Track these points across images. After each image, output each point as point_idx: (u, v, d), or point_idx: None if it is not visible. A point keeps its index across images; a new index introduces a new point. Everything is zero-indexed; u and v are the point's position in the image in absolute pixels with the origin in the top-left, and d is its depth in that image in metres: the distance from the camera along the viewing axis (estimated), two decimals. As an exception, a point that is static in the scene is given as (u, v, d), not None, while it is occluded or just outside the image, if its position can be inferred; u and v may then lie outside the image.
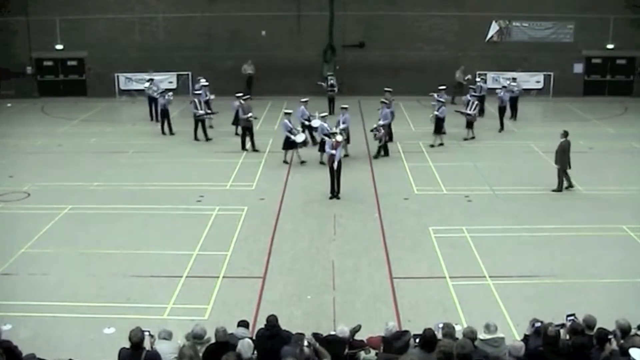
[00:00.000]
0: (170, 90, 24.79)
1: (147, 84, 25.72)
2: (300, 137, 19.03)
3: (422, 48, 29.71)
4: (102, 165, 19.22)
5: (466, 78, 27.38)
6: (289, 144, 19.12)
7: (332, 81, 25.95)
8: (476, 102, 22.08)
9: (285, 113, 19.62)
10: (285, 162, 19.25)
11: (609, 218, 14.80)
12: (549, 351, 7.11)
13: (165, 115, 23.00)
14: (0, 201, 16.20)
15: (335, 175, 16.28)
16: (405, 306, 10.89)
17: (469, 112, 21.69)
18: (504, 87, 24.10)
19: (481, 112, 24.46)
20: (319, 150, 19.07)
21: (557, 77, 29.22)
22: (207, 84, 23.93)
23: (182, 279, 11.93)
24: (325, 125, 18.74)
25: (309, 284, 11.79)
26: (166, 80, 29.59)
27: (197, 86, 25.14)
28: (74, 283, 11.77)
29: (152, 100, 25.01)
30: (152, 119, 25.12)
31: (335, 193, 16.32)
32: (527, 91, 28.95)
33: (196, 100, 22.09)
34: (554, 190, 16.55)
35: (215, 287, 11.60)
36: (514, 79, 25.49)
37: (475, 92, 23.52)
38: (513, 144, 21.58)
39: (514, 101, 24.67)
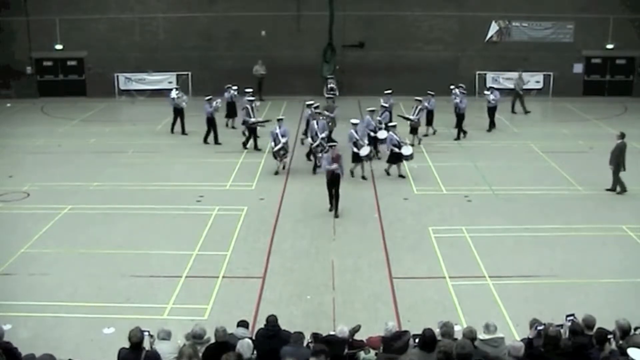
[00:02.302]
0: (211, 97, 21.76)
1: (175, 93, 23.00)
2: (364, 151, 17.47)
3: (422, 48, 29.70)
4: (102, 165, 19.22)
5: (526, 83, 26.91)
6: (356, 157, 17.65)
7: (332, 84, 25.05)
8: (419, 107, 20.98)
9: (353, 124, 17.88)
10: (363, 177, 17.84)
11: (609, 218, 14.81)
12: (549, 351, 7.11)
13: (212, 124, 21.40)
14: (0, 201, 16.20)
15: (334, 189, 15.09)
16: (405, 306, 10.89)
17: (411, 117, 20.96)
18: (463, 93, 22.56)
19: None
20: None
21: (557, 77, 29.23)
22: (251, 89, 22.54)
23: (182, 279, 11.93)
24: (395, 136, 17.82)
25: (309, 284, 11.78)
26: (166, 80, 29.67)
27: (226, 94, 23.45)
28: (74, 283, 11.76)
29: (179, 112, 22.79)
30: (173, 131, 23.04)
31: (333, 209, 15.15)
32: (527, 91, 28.98)
33: (248, 106, 20.58)
34: (608, 190, 16.49)
35: (215, 287, 11.59)
36: (492, 88, 23.87)
37: (424, 100, 21.66)
38: (513, 144, 21.59)
39: (491, 112, 23.16)
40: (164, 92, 29.34)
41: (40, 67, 30.23)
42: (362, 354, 7.75)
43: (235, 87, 23.72)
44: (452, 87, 23.49)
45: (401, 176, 17.91)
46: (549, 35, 29.63)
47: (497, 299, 11.06)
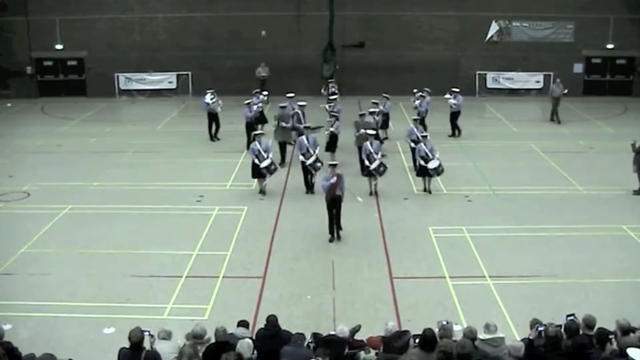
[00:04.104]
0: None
1: (209, 98, 21.63)
2: (374, 164, 16.16)
3: (422, 48, 29.70)
4: (102, 165, 19.21)
5: (564, 91, 25.71)
6: (367, 171, 16.48)
7: (333, 89, 23.85)
8: (378, 110, 20.22)
9: (369, 135, 16.67)
10: (373, 193, 16.48)
11: (609, 218, 14.80)
12: (549, 351, 7.11)
13: (252, 129, 19.73)
14: (0, 201, 16.20)
15: (334, 211, 13.67)
16: (405, 306, 10.89)
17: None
18: (422, 96, 21.48)
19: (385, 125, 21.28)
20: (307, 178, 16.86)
21: (557, 77, 29.17)
22: (292, 95, 20.97)
23: (182, 279, 11.94)
24: (424, 147, 16.49)
25: (309, 284, 11.78)
26: (166, 80, 29.67)
27: (254, 99, 21.58)
28: (74, 283, 11.77)
29: (213, 116, 21.75)
30: (212, 139, 21.98)
31: (334, 234, 13.74)
32: (527, 91, 29.04)
33: (299, 112, 19.82)
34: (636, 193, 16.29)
35: (215, 287, 11.60)
36: (454, 92, 22.17)
37: (380, 103, 20.90)
38: (513, 144, 21.59)
39: (453, 117, 22.27)
40: (163, 92, 29.56)
41: (40, 67, 30.20)
42: (362, 354, 7.76)
43: (265, 93, 23.16)
44: (415, 90, 22.48)
45: (428, 191, 16.78)
46: (549, 35, 29.63)
47: (497, 299, 11.06)
